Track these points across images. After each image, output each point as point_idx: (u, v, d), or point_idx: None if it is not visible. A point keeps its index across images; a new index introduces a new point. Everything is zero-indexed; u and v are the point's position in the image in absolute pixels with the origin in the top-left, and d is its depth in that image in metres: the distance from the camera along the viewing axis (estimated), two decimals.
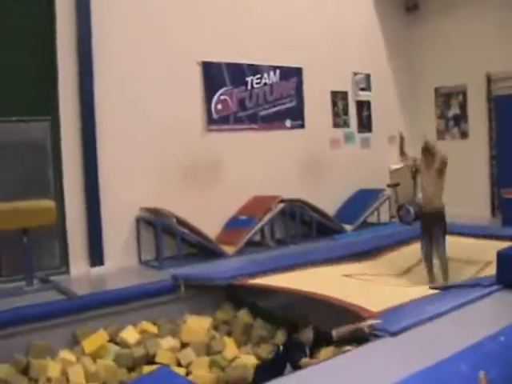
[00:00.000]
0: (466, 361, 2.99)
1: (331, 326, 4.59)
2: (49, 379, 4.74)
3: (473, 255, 6.95)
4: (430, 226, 6.49)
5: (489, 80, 9.89)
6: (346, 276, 6.31)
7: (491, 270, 5.28)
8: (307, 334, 4.32)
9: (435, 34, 10.48)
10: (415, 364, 3.19)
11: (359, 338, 4.20)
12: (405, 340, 3.93)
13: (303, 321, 4.42)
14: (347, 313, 4.71)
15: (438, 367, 3.04)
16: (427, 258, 6.55)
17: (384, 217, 9.83)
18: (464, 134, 10.39)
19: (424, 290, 5.32)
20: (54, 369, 4.83)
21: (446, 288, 5.31)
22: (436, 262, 6.48)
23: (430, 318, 4.29)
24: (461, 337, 3.62)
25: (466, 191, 9.97)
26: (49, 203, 6.26)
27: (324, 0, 9.63)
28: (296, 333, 4.37)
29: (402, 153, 7.03)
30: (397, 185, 9.87)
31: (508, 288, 4.95)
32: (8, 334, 5.06)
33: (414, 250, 7.26)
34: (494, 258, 5.29)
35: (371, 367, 3.54)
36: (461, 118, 10.41)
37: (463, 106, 10.37)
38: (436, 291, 5.28)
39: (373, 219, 9.68)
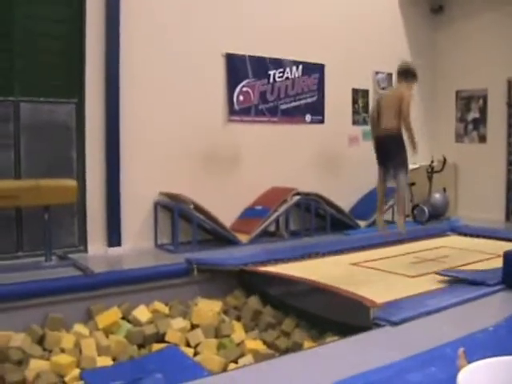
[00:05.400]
0: (453, 347, 3.14)
1: (336, 314, 4.74)
2: (62, 350, 4.92)
3: (484, 249, 7.11)
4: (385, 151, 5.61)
5: (510, 86, 9.92)
6: (354, 264, 6.46)
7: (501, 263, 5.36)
8: None
9: (459, 37, 10.51)
10: (410, 350, 3.37)
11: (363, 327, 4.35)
12: (404, 330, 4.07)
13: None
14: (352, 302, 4.85)
15: (429, 352, 3.20)
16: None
17: None
18: (482, 138, 10.42)
19: (429, 284, 5.42)
20: (67, 341, 5.01)
21: (453, 281, 5.41)
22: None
23: (431, 312, 4.42)
24: (457, 329, 3.75)
25: (481, 194, 10.08)
26: (71, 182, 6.44)
27: None
28: None
29: None
30: (412, 184, 9.93)
31: None
32: (26, 305, 5.24)
33: (424, 245, 7.40)
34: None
35: (370, 351, 3.70)
36: (480, 122, 10.45)
37: (483, 111, 10.39)
38: (442, 286, 5.36)
39: (387, 217, 9.75)
